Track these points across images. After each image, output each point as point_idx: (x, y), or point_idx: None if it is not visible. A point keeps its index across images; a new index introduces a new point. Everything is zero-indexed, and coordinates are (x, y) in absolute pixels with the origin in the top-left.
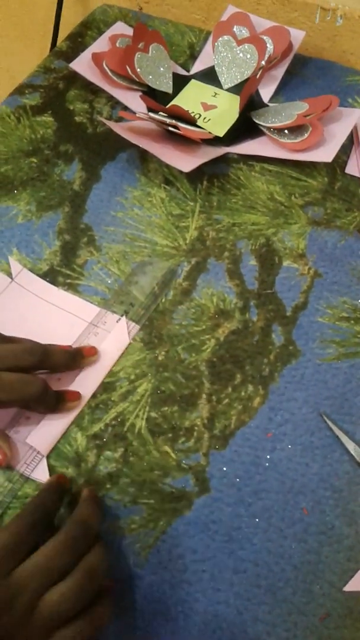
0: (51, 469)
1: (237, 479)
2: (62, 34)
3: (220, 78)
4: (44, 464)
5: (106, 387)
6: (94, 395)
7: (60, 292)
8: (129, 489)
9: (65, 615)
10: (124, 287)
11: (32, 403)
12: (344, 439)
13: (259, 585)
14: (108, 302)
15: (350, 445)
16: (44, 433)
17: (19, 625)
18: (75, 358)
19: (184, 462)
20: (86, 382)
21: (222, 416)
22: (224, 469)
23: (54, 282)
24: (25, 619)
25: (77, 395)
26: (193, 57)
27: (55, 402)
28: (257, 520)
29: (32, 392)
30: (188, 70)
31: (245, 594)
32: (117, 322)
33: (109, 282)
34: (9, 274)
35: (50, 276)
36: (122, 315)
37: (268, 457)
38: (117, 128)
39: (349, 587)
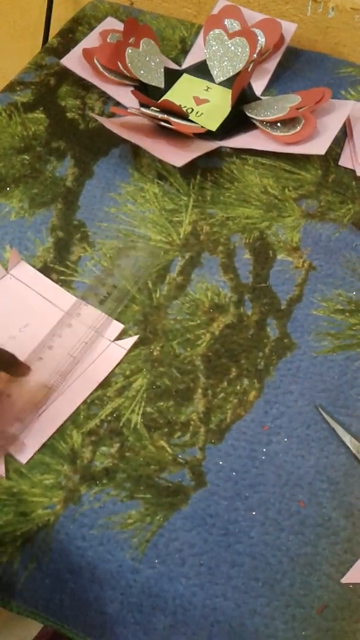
0: (46, 465)
1: (234, 473)
2: (54, 30)
3: (212, 72)
4: None
5: (101, 383)
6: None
7: (54, 286)
8: (125, 484)
9: None
10: (103, 274)
11: None
12: (340, 431)
13: (256, 578)
14: (85, 292)
15: (347, 438)
16: (25, 442)
17: None
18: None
19: (180, 456)
20: (74, 396)
21: (217, 410)
22: (220, 462)
23: (45, 276)
24: None
25: None
26: (185, 51)
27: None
28: (254, 513)
29: None
30: (180, 65)
31: (242, 587)
32: (90, 315)
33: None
34: (5, 267)
35: (44, 273)
36: (103, 311)
37: (264, 450)
38: (108, 124)
39: (347, 579)
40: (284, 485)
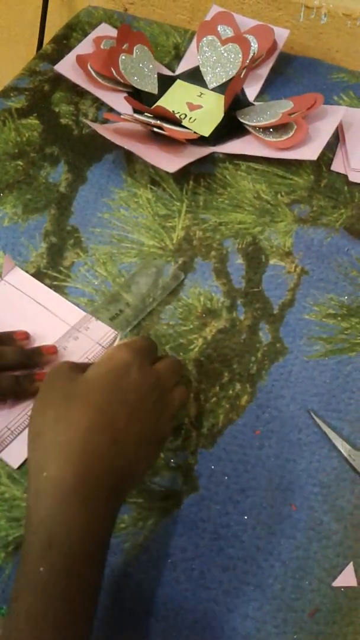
0: None
1: (226, 477)
2: (48, 36)
3: (205, 78)
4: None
5: None
6: None
7: (49, 292)
8: None
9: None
10: (117, 291)
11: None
12: (332, 435)
13: (248, 582)
14: (95, 308)
15: (338, 441)
16: (16, 448)
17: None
18: (32, 356)
19: (172, 461)
20: None
21: (210, 415)
22: (212, 467)
23: (42, 284)
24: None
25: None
26: (178, 57)
27: (16, 385)
28: (245, 517)
29: None
30: (173, 71)
31: (234, 591)
32: (99, 329)
33: (96, 283)
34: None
35: (37, 278)
36: (114, 328)
37: (256, 454)
38: (102, 130)
39: (338, 583)
40: (275, 489)
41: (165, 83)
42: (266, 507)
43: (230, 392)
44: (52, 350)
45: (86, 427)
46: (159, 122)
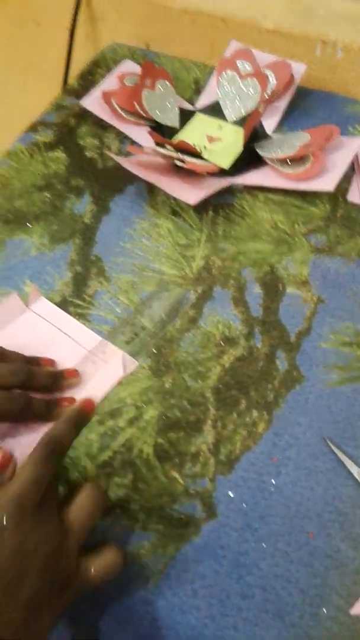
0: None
1: (244, 504)
2: (73, 71)
3: (224, 111)
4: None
5: (113, 413)
6: (101, 422)
7: (70, 319)
8: (138, 516)
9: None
10: (132, 315)
11: (19, 417)
12: (348, 463)
13: (266, 610)
14: (112, 331)
15: (354, 469)
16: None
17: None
18: (57, 379)
19: (191, 487)
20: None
21: (227, 442)
22: (230, 494)
23: (65, 312)
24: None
25: (71, 401)
26: (198, 91)
27: (47, 410)
28: (263, 545)
29: (13, 408)
30: (193, 104)
31: (253, 619)
32: (115, 354)
33: (118, 311)
34: (26, 302)
35: (62, 307)
36: (124, 348)
37: (273, 481)
38: (125, 163)
39: (356, 611)
40: (293, 516)
41: (186, 116)
42: (284, 534)
43: (248, 419)
44: (74, 374)
45: None
46: (180, 155)
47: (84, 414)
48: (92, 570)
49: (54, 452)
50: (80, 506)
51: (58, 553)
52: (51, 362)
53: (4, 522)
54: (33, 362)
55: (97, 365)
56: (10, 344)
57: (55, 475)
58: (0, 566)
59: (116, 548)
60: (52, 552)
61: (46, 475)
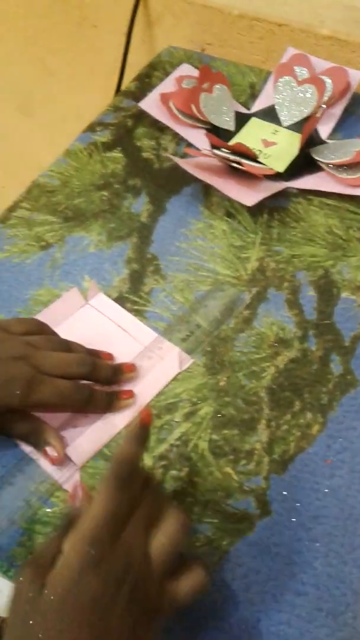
0: None
1: (297, 504)
2: (127, 73)
3: (280, 116)
4: (76, 476)
5: (169, 407)
6: (158, 416)
7: (127, 315)
8: (194, 508)
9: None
10: (188, 314)
11: (82, 407)
12: None
13: (320, 608)
14: (168, 328)
15: None
16: (83, 445)
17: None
18: (117, 373)
19: (245, 484)
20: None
21: (281, 441)
22: (284, 493)
23: (122, 308)
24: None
25: (130, 394)
26: (253, 96)
27: (108, 402)
28: (317, 544)
29: (79, 398)
30: (248, 108)
31: (307, 616)
32: (171, 350)
33: (174, 309)
34: (85, 297)
35: (119, 302)
36: (179, 344)
37: (327, 483)
38: (184, 164)
39: None
40: (346, 518)
41: (241, 120)
42: (337, 535)
43: (302, 420)
44: (132, 368)
45: None
46: (237, 157)
47: (146, 427)
48: (180, 593)
49: (127, 477)
50: (166, 532)
51: (144, 583)
52: (110, 356)
53: (82, 567)
54: (94, 354)
55: (153, 360)
56: (70, 337)
57: (136, 497)
58: (84, 613)
59: (201, 565)
60: (138, 583)
61: (122, 506)
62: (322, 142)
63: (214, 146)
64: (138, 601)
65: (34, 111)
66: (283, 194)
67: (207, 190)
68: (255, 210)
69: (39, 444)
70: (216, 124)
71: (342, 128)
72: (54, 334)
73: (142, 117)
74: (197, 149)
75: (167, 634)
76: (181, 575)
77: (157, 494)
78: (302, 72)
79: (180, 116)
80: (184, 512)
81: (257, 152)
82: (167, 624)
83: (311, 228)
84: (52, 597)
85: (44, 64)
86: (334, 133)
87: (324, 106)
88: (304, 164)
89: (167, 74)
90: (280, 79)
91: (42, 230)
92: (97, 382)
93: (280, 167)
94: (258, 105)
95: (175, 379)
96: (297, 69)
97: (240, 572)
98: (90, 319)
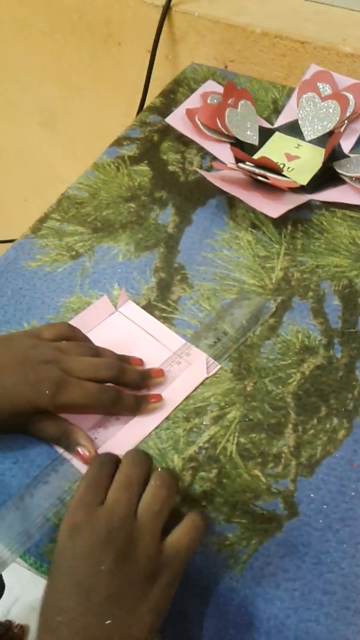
0: None
1: (325, 506)
2: (151, 89)
3: (303, 130)
4: None
5: (198, 411)
6: (187, 419)
7: (155, 322)
8: (222, 508)
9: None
10: (215, 321)
11: (111, 409)
12: None
13: (347, 607)
14: (196, 335)
15: None
16: (113, 447)
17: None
18: (145, 377)
19: (273, 486)
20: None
21: (308, 445)
22: (312, 495)
23: (151, 315)
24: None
25: (158, 397)
26: (276, 111)
27: (136, 404)
28: (344, 545)
29: (106, 399)
30: (272, 123)
31: (335, 614)
32: (199, 356)
33: (201, 316)
34: (115, 304)
35: (148, 310)
36: (207, 351)
37: (354, 487)
38: (211, 177)
39: None
40: None
41: (264, 135)
42: None
43: (328, 425)
44: (161, 373)
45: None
46: (262, 171)
47: (175, 474)
48: (179, 542)
49: (105, 461)
50: (151, 491)
51: (133, 542)
52: (140, 362)
53: (68, 534)
54: (123, 359)
55: (182, 366)
56: (101, 343)
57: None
58: (73, 573)
59: (195, 513)
60: (124, 543)
61: (99, 478)
62: (345, 156)
63: (238, 160)
64: (129, 560)
65: (57, 126)
66: (306, 207)
67: (231, 202)
68: (280, 222)
69: (70, 446)
70: (240, 138)
71: None
72: (85, 336)
73: (167, 131)
74: (222, 162)
75: (199, 630)
76: (175, 529)
77: (142, 458)
78: (325, 89)
79: (205, 131)
80: (172, 472)
81: (281, 166)
82: (199, 622)
83: (335, 239)
84: (52, 565)
85: (69, 81)
86: (356, 147)
87: (347, 121)
88: (327, 177)
89: (191, 90)
90: (304, 95)
91: (72, 240)
92: (125, 386)
93: (304, 180)
94: (281, 120)
95: (203, 383)
96: (320, 85)
97: (268, 571)
98: (120, 326)
